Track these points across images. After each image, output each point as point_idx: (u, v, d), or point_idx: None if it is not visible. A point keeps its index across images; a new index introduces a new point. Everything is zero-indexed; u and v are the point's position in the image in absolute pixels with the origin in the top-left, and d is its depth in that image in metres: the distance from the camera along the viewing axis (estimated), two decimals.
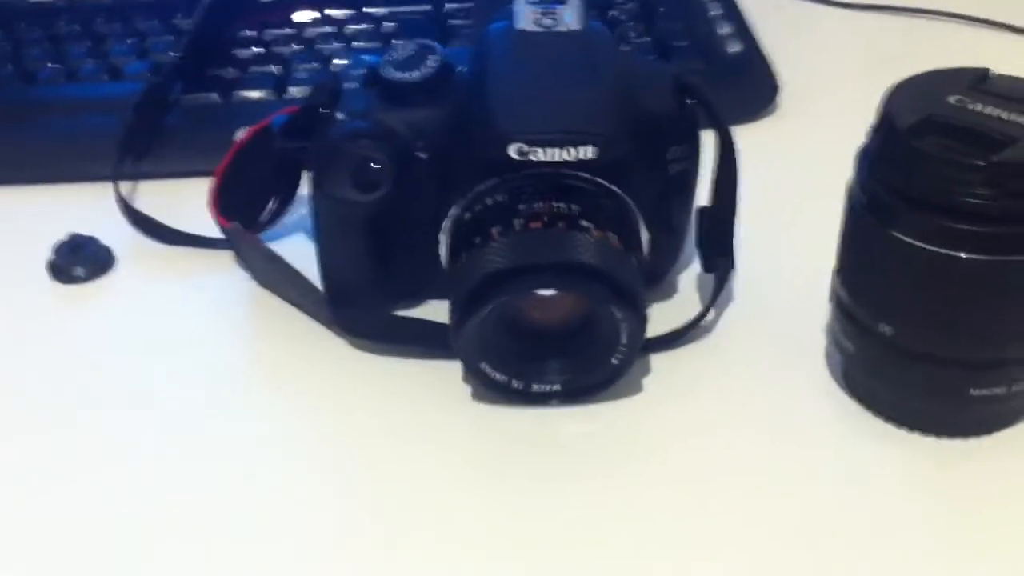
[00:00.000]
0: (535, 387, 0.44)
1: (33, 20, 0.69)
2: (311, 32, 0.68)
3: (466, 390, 0.46)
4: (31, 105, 0.63)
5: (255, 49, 0.67)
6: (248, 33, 0.68)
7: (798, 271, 0.49)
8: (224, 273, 0.52)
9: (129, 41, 0.67)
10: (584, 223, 0.43)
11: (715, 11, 0.68)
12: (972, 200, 0.38)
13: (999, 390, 0.42)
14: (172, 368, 0.48)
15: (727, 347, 0.48)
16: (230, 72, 0.65)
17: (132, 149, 0.58)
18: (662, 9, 0.68)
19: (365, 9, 0.69)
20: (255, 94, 0.63)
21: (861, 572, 0.39)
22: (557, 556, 0.39)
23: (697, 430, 0.44)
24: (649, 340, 0.46)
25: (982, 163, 0.38)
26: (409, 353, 0.47)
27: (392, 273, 0.48)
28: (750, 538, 0.40)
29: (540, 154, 0.43)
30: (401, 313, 0.49)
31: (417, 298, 0.49)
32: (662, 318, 0.48)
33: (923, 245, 0.39)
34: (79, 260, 0.52)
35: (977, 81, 0.41)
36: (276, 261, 0.50)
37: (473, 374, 0.44)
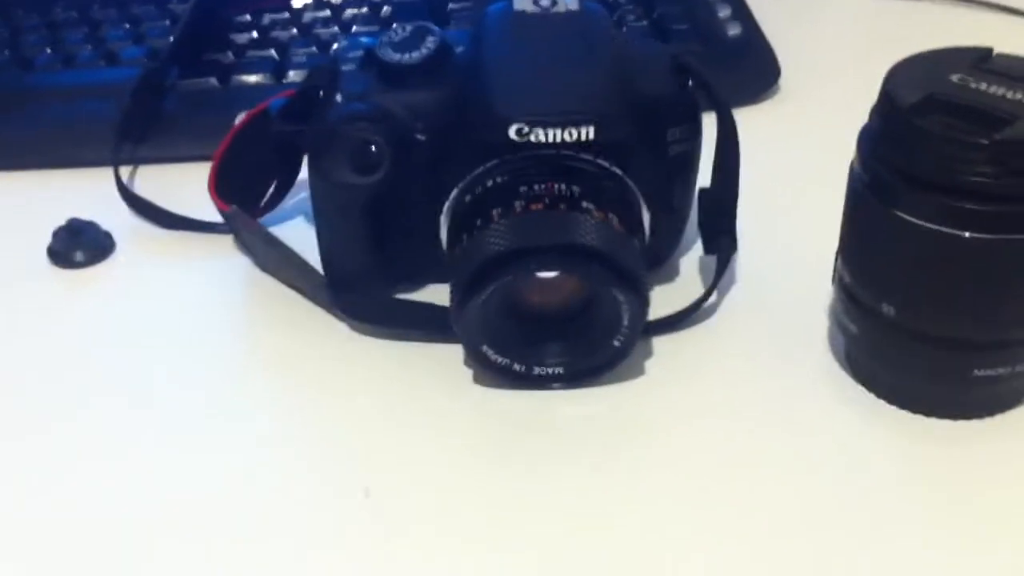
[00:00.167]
0: (536, 370, 0.44)
1: (30, 6, 0.69)
2: (308, 16, 0.68)
3: (467, 373, 0.45)
4: (29, 91, 0.63)
5: (252, 34, 0.66)
6: (245, 17, 0.68)
7: (800, 253, 0.49)
8: (224, 257, 0.52)
9: (126, 26, 0.67)
10: (585, 205, 0.42)
11: None
12: (975, 179, 0.38)
13: (1002, 371, 0.41)
14: (172, 353, 0.48)
15: (729, 330, 0.48)
16: (227, 57, 0.65)
17: (130, 134, 0.58)
18: None
19: None
20: (253, 78, 0.63)
21: (863, 555, 0.39)
22: (560, 540, 0.39)
23: (699, 413, 0.44)
24: (651, 323, 0.45)
25: (985, 141, 0.37)
26: (409, 336, 0.47)
27: (392, 256, 0.48)
28: (753, 521, 0.40)
29: (540, 135, 0.43)
30: (401, 296, 0.49)
31: (417, 281, 0.49)
32: (664, 301, 0.47)
33: (925, 224, 0.39)
34: (79, 245, 0.52)
35: (980, 60, 0.41)
36: (276, 245, 0.49)
37: (474, 357, 0.44)
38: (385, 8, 0.68)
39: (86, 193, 0.55)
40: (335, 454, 0.43)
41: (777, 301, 0.48)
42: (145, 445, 0.43)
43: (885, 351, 0.43)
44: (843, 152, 0.42)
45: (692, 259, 0.51)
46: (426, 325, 0.46)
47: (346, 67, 0.48)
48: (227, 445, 0.43)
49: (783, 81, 0.63)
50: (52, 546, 0.40)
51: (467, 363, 0.45)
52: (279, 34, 0.66)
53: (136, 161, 0.58)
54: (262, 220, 0.52)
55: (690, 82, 0.47)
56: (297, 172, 0.52)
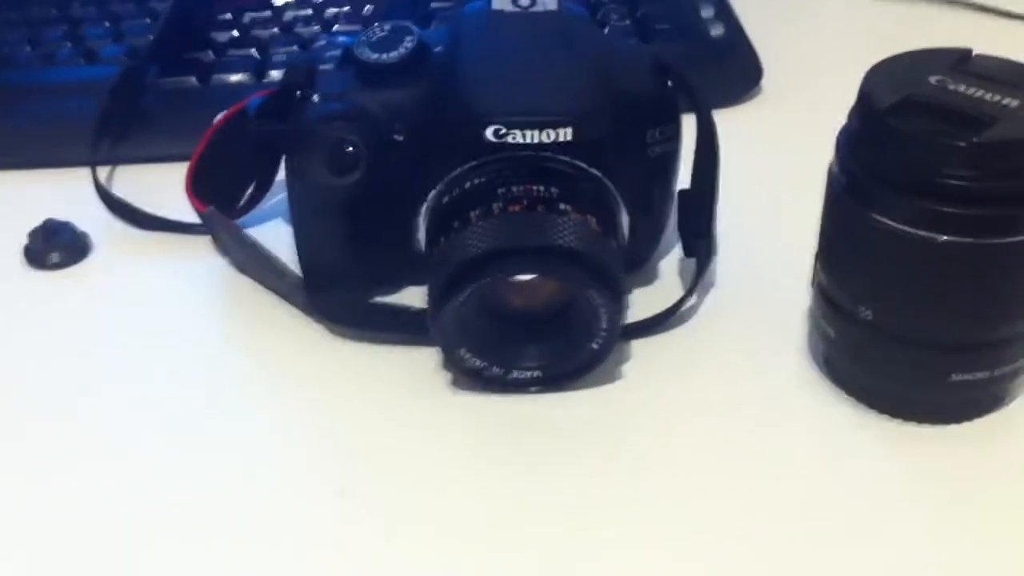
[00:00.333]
0: (514, 373, 0.44)
1: (9, 4, 0.69)
2: (290, 15, 0.67)
3: (445, 377, 0.45)
4: (7, 90, 0.62)
5: (233, 32, 0.66)
6: (226, 16, 0.67)
7: (781, 256, 0.49)
8: (201, 258, 0.51)
9: (105, 24, 0.67)
10: (563, 206, 0.42)
11: None
12: (952, 182, 0.37)
13: (981, 375, 0.41)
14: (148, 355, 0.47)
15: (708, 333, 0.47)
16: (208, 55, 0.64)
17: (108, 133, 0.58)
18: None
19: None
20: (233, 77, 0.63)
21: (841, 558, 0.38)
22: (538, 543, 0.39)
23: (677, 417, 0.44)
24: (630, 325, 0.45)
25: (962, 144, 0.37)
26: (387, 339, 0.47)
27: (370, 258, 0.47)
28: (731, 525, 0.40)
29: (517, 136, 0.43)
30: (379, 299, 0.48)
31: (396, 283, 0.49)
32: (643, 303, 0.47)
33: (903, 228, 0.39)
34: (55, 246, 0.52)
35: (959, 61, 0.41)
36: (252, 246, 0.49)
37: (451, 360, 0.44)
38: (367, 7, 0.68)
39: (63, 193, 0.55)
40: (310, 457, 0.43)
41: (756, 304, 0.48)
42: (120, 446, 0.43)
43: (863, 355, 0.43)
44: (824, 154, 0.42)
45: (671, 261, 0.50)
46: (403, 328, 0.46)
47: (324, 66, 0.47)
48: (203, 447, 0.43)
49: (765, 82, 0.63)
50: (33, 533, 0.39)
51: (445, 366, 0.45)
52: (260, 32, 0.66)
53: (114, 161, 0.57)
54: (240, 221, 0.52)
55: (670, 83, 0.47)
56: (275, 172, 0.52)
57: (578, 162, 0.43)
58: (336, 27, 0.66)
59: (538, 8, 0.46)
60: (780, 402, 0.44)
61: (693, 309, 0.48)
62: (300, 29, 0.66)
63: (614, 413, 0.44)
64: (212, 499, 0.41)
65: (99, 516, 0.40)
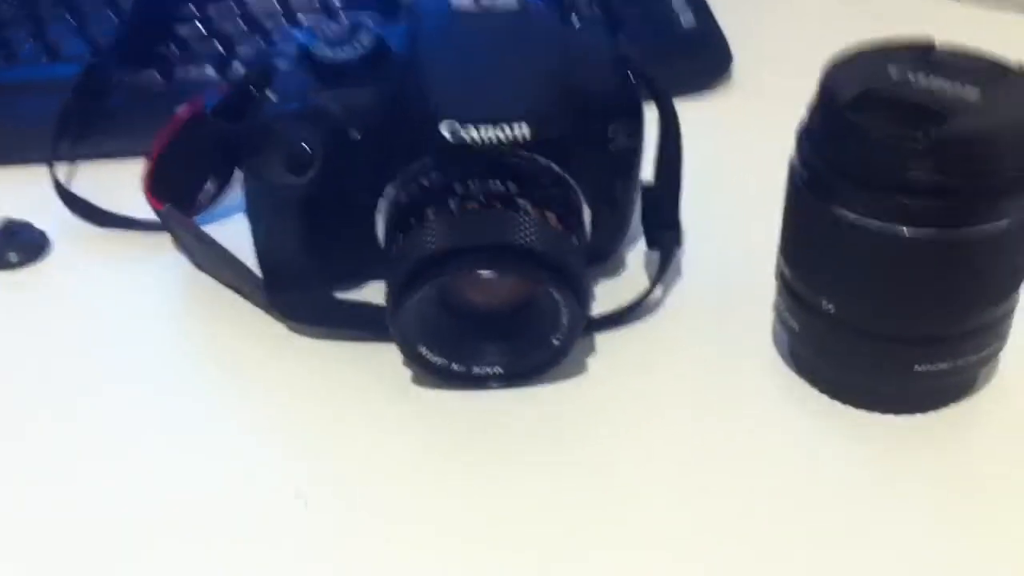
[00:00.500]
0: (475, 369, 0.43)
1: None
2: (255, 8, 0.66)
3: (407, 374, 0.45)
4: None
5: (198, 26, 0.65)
6: (190, 9, 0.66)
7: (747, 248, 0.48)
8: (161, 257, 0.51)
9: (68, 20, 0.66)
10: (521, 203, 0.42)
11: None
12: (912, 175, 0.37)
13: (944, 366, 0.41)
14: (107, 354, 0.47)
15: (673, 326, 0.47)
16: (171, 50, 0.63)
17: (70, 131, 0.57)
18: None
19: None
20: (198, 73, 0.62)
21: (804, 549, 0.38)
22: (500, 542, 0.39)
23: (642, 411, 0.43)
24: (593, 319, 0.45)
25: (921, 138, 0.37)
26: (348, 337, 0.46)
27: (330, 255, 0.47)
28: (696, 517, 0.39)
29: (473, 133, 0.42)
30: (342, 295, 0.48)
31: (357, 280, 0.48)
32: (608, 296, 0.47)
33: (864, 221, 0.38)
34: (12, 245, 0.51)
35: (921, 53, 0.40)
36: (211, 244, 0.48)
37: (411, 358, 0.43)
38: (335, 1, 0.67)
39: (23, 192, 0.54)
40: (270, 457, 0.42)
41: (722, 296, 0.48)
42: (76, 447, 0.43)
43: (827, 347, 0.42)
44: (791, 144, 0.41)
45: (636, 254, 0.50)
46: (364, 325, 0.45)
47: (280, 64, 0.47)
48: (160, 447, 0.42)
49: (735, 71, 0.62)
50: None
51: (407, 363, 0.45)
52: (225, 26, 0.65)
53: (76, 158, 0.57)
54: (199, 219, 0.51)
55: (630, 75, 0.46)
56: (234, 170, 0.51)
57: (537, 158, 0.43)
58: (303, 21, 0.65)
59: (498, 6, 0.45)
60: (746, 395, 0.44)
61: (658, 302, 0.48)
62: (266, 23, 0.65)
63: (577, 409, 0.44)
64: (169, 502, 0.40)
65: (50, 516, 0.40)
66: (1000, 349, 0.42)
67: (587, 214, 0.45)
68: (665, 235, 0.48)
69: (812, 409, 0.43)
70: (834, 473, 0.41)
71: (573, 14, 0.64)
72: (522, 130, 0.42)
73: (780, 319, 0.44)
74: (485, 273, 0.42)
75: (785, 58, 0.64)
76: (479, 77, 0.44)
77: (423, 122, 0.43)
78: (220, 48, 0.63)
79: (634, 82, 0.46)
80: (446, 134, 0.42)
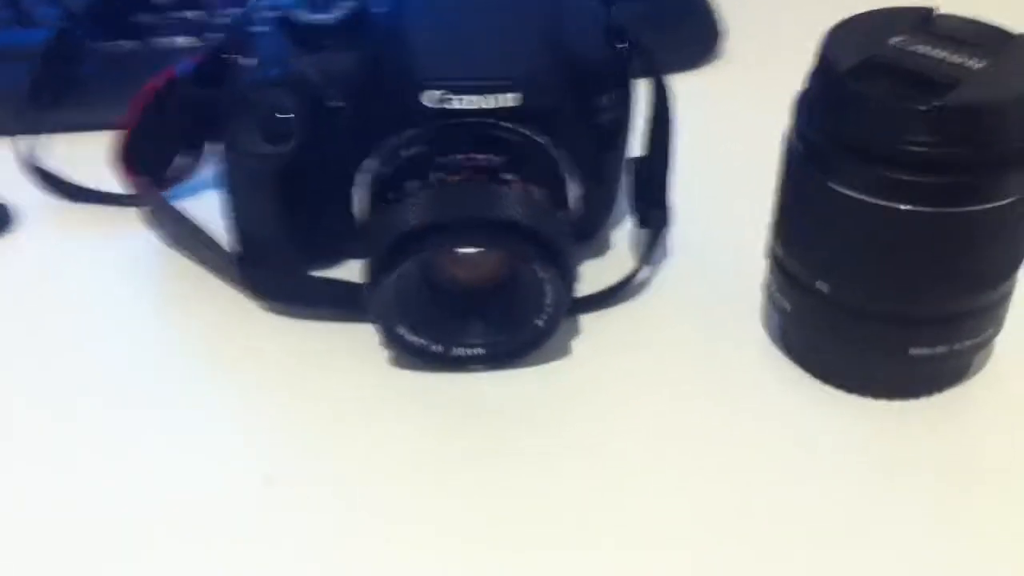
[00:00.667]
0: (455, 351, 0.42)
1: None
2: None
3: (385, 355, 0.43)
4: None
5: None
6: None
7: (737, 226, 0.47)
8: (132, 232, 0.49)
9: None
10: (506, 176, 0.40)
11: None
12: (913, 148, 0.36)
13: (942, 349, 0.40)
14: (74, 333, 0.45)
15: (661, 306, 0.46)
16: (147, 17, 0.61)
17: (40, 100, 0.55)
18: None
19: None
20: (175, 40, 0.60)
21: (794, 536, 0.37)
22: (480, 530, 0.37)
23: (628, 395, 0.42)
24: (578, 299, 0.44)
25: (924, 108, 0.35)
26: (325, 316, 0.45)
27: (308, 230, 0.45)
28: (684, 502, 0.38)
29: (458, 102, 0.41)
30: (319, 273, 0.46)
31: (335, 257, 0.47)
32: (594, 276, 0.46)
33: (862, 196, 0.37)
34: None
35: (921, 21, 0.39)
36: (183, 219, 0.47)
37: (390, 338, 0.42)
38: None
39: None
40: (242, 439, 0.41)
41: (711, 276, 0.47)
42: (43, 428, 0.41)
43: (820, 329, 0.41)
44: (784, 119, 0.40)
45: (623, 232, 0.49)
46: (340, 303, 0.44)
47: (257, 28, 0.45)
48: (129, 428, 0.41)
49: (726, 43, 0.61)
50: None
51: (385, 344, 0.43)
52: None
53: (48, 129, 0.55)
54: (172, 192, 0.49)
55: (622, 45, 0.45)
56: (209, 141, 0.49)
57: (523, 129, 0.42)
58: None
59: None
60: (735, 378, 0.43)
61: (646, 282, 0.47)
62: None
63: (562, 392, 0.42)
64: (137, 485, 0.39)
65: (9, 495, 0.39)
66: (996, 334, 0.41)
67: (574, 189, 0.43)
68: (653, 213, 0.46)
69: (803, 393, 0.42)
70: (825, 458, 0.40)
71: None
72: (509, 99, 0.41)
73: (771, 300, 0.43)
74: (467, 249, 0.41)
75: (776, 31, 0.63)
76: (466, 42, 0.42)
77: (405, 90, 0.41)
78: (197, 14, 0.61)
79: (626, 53, 0.44)
80: (430, 103, 0.41)
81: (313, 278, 0.46)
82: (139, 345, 0.45)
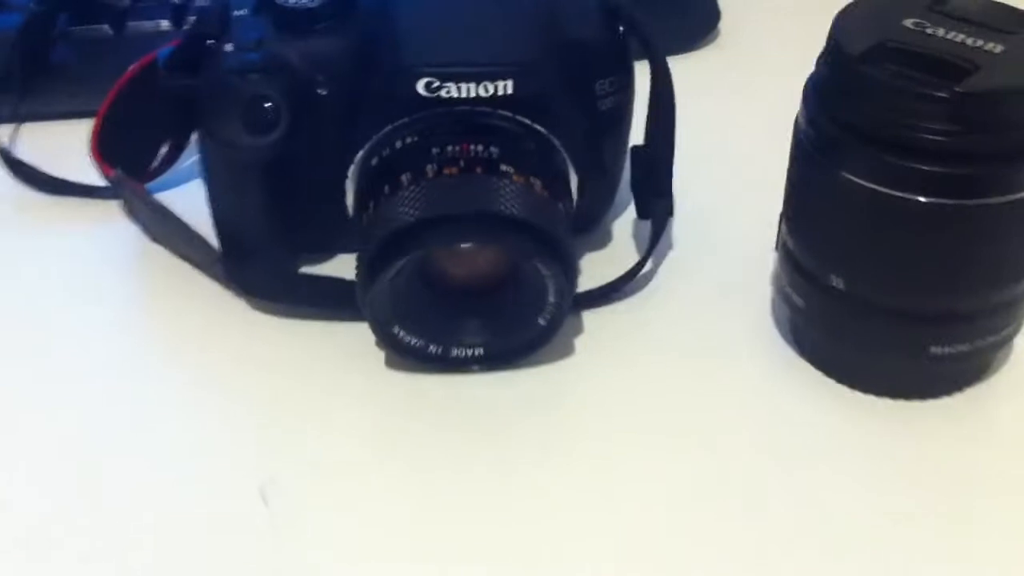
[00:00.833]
0: (454, 351, 0.41)
1: None
2: None
3: (379, 355, 0.42)
4: None
5: None
6: None
7: (743, 216, 0.46)
8: (110, 225, 0.48)
9: None
10: (504, 168, 0.39)
11: None
12: (931, 136, 0.35)
13: (962, 347, 0.38)
14: (50, 330, 0.44)
15: (666, 301, 0.45)
16: (123, 1, 0.59)
17: (11, 88, 0.53)
18: None
19: None
20: (151, 25, 0.58)
21: (806, 538, 0.36)
22: (482, 535, 0.36)
23: (632, 395, 0.41)
24: (580, 295, 0.42)
25: (943, 93, 0.34)
26: (314, 315, 0.43)
27: (295, 225, 0.44)
28: (691, 504, 0.37)
29: (452, 90, 0.39)
30: (306, 270, 0.45)
31: (325, 251, 0.46)
32: (595, 270, 0.45)
33: (877, 187, 0.36)
34: None
35: (936, 2, 0.38)
36: (165, 214, 0.45)
37: (385, 339, 0.40)
38: None
39: None
40: (229, 445, 0.39)
41: (718, 270, 0.46)
42: (17, 426, 0.40)
43: (834, 326, 0.40)
44: (789, 104, 0.39)
45: (625, 224, 0.48)
46: (332, 302, 0.42)
47: (238, 11, 0.43)
48: (109, 432, 0.40)
49: (724, 25, 0.60)
50: None
51: (379, 344, 0.42)
52: None
53: (19, 118, 0.53)
54: (152, 185, 0.48)
55: (621, 28, 0.43)
56: (191, 131, 0.47)
57: (520, 118, 0.40)
58: None
59: None
60: (744, 377, 0.42)
61: (649, 275, 0.45)
62: None
63: (564, 392, 0.41)
64: (119, 490, 0.38)
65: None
66: (1017, 332, 0.40)
67: (574, 179, 0.42)
68: (657, 203, 0.45)
69: (817, 393, 0.41)
70: (842, 461, 0.39)
71: None
72: (505, 86, 0.39)
73: (782, 295, 0.42)
74: (466, 245, 0.39)
75: (775, 9, 0.62)
76: (457, 27, 0.41)
77: (396, 76, 0.40)
78: None
79: (626, 36, 0.43)
80: (423, 90, 0.39)
81: (302, 275, 0.44)
82: (118, 346, 0.43)
